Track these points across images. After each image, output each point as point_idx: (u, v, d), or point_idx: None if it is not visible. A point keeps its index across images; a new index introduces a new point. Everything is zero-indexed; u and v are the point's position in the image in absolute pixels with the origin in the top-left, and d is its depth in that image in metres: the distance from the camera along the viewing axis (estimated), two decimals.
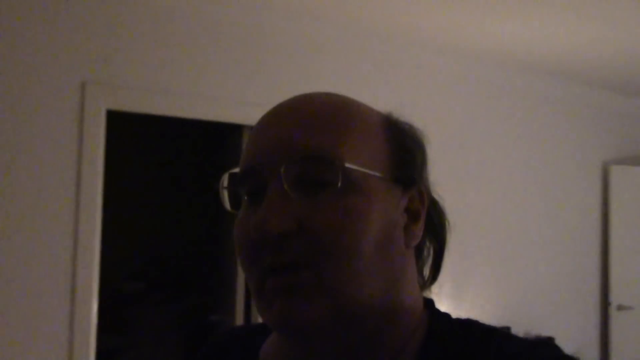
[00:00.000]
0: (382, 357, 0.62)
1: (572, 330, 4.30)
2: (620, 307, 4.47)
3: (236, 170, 0.65)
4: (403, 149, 0.66)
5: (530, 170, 4.16)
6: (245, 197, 0.64)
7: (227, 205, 0.66)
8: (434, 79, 3.69)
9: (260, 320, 0.65)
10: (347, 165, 0.59)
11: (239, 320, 3.17)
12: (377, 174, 0.62)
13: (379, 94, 3.36)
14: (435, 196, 0.71)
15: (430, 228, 0.70)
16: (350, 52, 3.38)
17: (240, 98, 3.02)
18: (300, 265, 0.57)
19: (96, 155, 2.55)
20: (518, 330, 3.88)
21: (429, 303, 0.69)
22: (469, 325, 0.66)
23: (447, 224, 0.73)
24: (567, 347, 2.99)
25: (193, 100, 2.88)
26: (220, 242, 3.77)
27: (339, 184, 0.58)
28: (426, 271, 0.72)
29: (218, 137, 4.07)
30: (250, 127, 3.08)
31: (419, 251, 0.70)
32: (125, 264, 4.55)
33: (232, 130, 3.51)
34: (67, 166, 2.51)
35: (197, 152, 5.16)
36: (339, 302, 0.58)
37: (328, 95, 0.67)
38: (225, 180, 0.66)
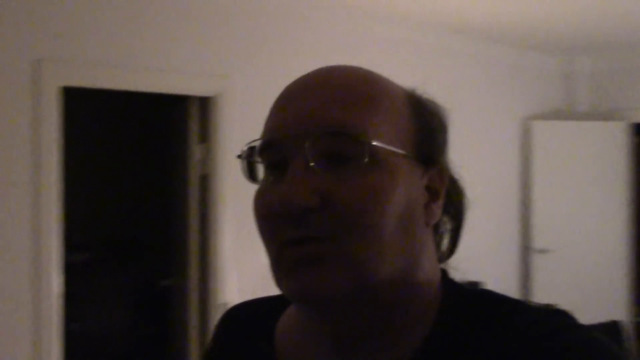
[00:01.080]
0: (399, 329, 0.63)
1: (497, 274, 4.66)
2: (541, 251, 4.88)
3: (256, 141, 0.65)
4: (427, 127, 0.66)
5: (453, 126, 4.40)
6: (265, 169, 0.64)
7: (247, 175, 0.66)
8: (366, 44, 3.82)
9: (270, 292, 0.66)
10: (374, 142, 0.60)
11: (193, 284, 3.29)
12: (402, 151, 0.62)
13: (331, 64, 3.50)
14: (455, 175, 0.71)
15: (449, 205, 0.70)
16: (296, 21, 3.48)
17: (191, 69, 3.09)
18: (323, 238, 0.58)
19: (52, 132, 2.60)
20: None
21: (443, 274, 0.70)
22: (481, 295, 0.66)
23: (465, 202, 0.73)
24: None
25: (145, 73, 2.94)
26: (169, 208, 3.85)
27: (365, 161, 0.59)
28: (443, 246, 0.73)
29: (167, 108, 4.12)
30: (200, 98, 3.18)
31: (436, 227, 0.70)
32: (70, 236, 4.56)
33: (176, 102, 3.58)
34: (23, 142, 2.55)
35: (145, 123, 5.15)
36: (361, 275, 0.58)
37: (354, 69, 0.67)
38: (245, 151, 0.66)
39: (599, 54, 5.05)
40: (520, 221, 4.95)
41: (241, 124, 3.26)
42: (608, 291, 4.88)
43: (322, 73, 0.66)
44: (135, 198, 5.17)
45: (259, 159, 0.65)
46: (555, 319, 0.60)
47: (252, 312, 0.81)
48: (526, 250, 4.95)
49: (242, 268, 3.25)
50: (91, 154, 5.04)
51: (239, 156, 0.66)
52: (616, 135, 4.95)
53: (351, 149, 0.60)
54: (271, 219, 0.61)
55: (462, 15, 3.81)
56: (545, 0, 3.54)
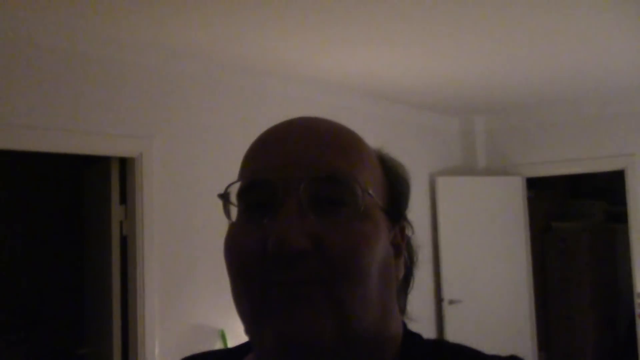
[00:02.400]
0: None
1: (418, 326, 4.79)
2: (451, 302, 5.08)
3: (235, 182, 0.64)
4: (395, 185, 0.69)
5: None
6: (244, 211, 0.63)
7: (230, 216, 0.64)
8: (278, 104, 3.93)
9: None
10: (370, 192, 0.61)
11: (116, 350, 3.17)
12: (382, 205, 0.64)
13: (246, 123, 3.60)
14: (408, 233, 0.73)
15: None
16: (213, 84, 3.56)
17: (111, 130, 3.06)
18: (313, 282, 0.57)
19: None
20: None
21: (404, 325, 0.71)
22: (440, 345, 0.69)
23: (416, 259, 0.75)
24: None
25: (63, 134, 2.88)
26: (85, 271, 3.71)
27: (362, 209, 0.60)
28: None
29: (75, 170, 4.01)
30: (120, 159, 3.14)
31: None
32: None
33: (87, 163, 3.51)
34: None
35: (50, 186, 4.95)
36: (348, 322, 0.58)
37: (337, 123, 0.68)
38: (229, 191, 0.64)
39: (494, 114, 5.47)
40: (433, 274, 5.15)
41: (162, 185, 3.24)
42: (514, 337, 5.14)
43: (303, 121, 0.66)
44: (44, 262, 4.91)
45: (236, 201, 0.63)
46: None
47: None
48: (438, 301, 5.14)
49: (165, 332, 3.17)
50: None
51: (221, 195, 0.64)
52: (513, 189, 5.32)
53: (346, 195, 0.60)
54: (255, 260, 0.58)
55: (368, 78, 4.04)
56: (443, 66, 3.82)
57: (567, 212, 6.84)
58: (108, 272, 3.20)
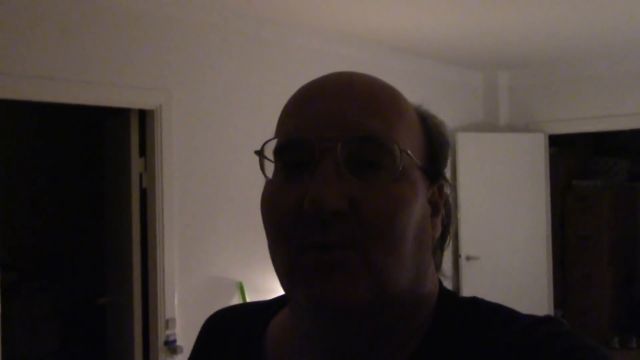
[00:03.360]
0: (402, 338, 0.63)
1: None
2: (468, 258, 5.08)
3: (272, 140, 0.62)
4: (435, 143, 0.67)
5: None
6: (280, 169, 0.62)
7: (266, 173, 0.63)
8: (300, 59, 3.86)
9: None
10: (409, 152, 0.60)
11: (136, 300, 3.21)
12: (421, 164, 0.63)
13: (266, 77, 3.56)
14: (447, 190, 0.71)
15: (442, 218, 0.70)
16: (237, 36, 3.49)
17: (131, 82, 3.04)
18: (347, 245, 0.56)
19: None
20: None
21: (439, 283, 0.71)
22: (474, 304, 0.67)
23: (454, 218, 0.73)
24: None
25: (83, 86, 2.86)
26: (105, 222, 3.74)
27: (399, 170, 0.59)
28: None
29: (93, 123, 4.01)
30: (140, 111, 3.13)
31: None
32: None
33: (107, 115, 3.50)
34: None
35: (79, 136, 4.99)
36: (382, 285, 0.57)
37: (372, 78, 0.66)
38: (262, 148, 0.63)
39: (518, 70, 5.35)
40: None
41: (181, 138, 3.23)
42: (531, 294, 5.13)
43: (342, 78, 0.64)
44: (66, 213, 4.99)
45: (272, 157, 0.62)
46: (547, 327, 0.60)
47: (238, 318, 0.79)
48: (455, 257, 5.14)
49: (184, 283, 3.21)
50: (22, 167, 4.85)
51: (257, 152, 0.63)
52: (535, 146, 5.24)
53: (384, 156, 0.59)
54: (291, 220, 0.58)
55: (391, 31, 3.96)
56: (469, 18, 3.72)
57: (589, 170, 6.75)
58: (128, 223, 3.22)
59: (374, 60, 4.34)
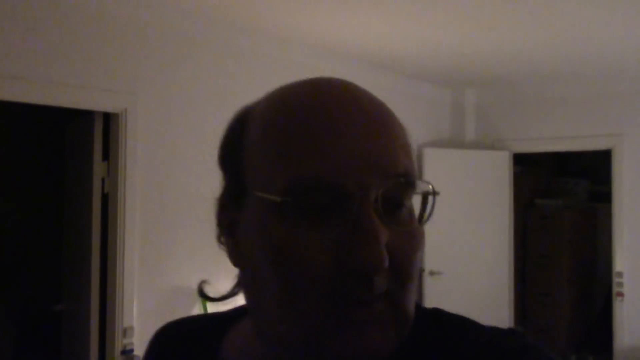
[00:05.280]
0: None
1: None
2: (432, 273, 5.10)
3: (291, 178, 0.53)
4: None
5: None
6: (301, 211, 0.53)
7: (289, 223, 0.54)
8: (269, 66, 3.86)
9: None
10: (433, 188, 0.58)
11: (94, 308, 3.14)
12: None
13: (235, 85, 3.53)
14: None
15: None
16: (197, 44, 3.47)
17: (96, 84, 2.98)
18: (382, 295, 0.54)
19: None
20: None
21: None
22: (437, 315, 0.66)
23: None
24: None
25: (46, 85, 2.79)
26: (64, 230, 3.66)
27: (430, 214, 0.58)
28: None
29: (56, 124, 3.92)
30: (104, 114, 3.06)
31: None
32: None
33: (70, 117, 3.43)
34: None
35: (32, 140, 4.86)
36: (406, 326, 0.56)
37: (375, 98, 0.63)
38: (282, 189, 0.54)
39: (486, 88, 5.43)
40: None
41: (146, 143, 3.18)
42: (492, 310, 5.18)
43: (349, 96, 0.59)
44: (24, 217, 4.85)
45: (301, 200, 0.53)
46: (512, 339, 0.59)
47: (191, 332, 0.75)
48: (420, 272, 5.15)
49: (144, 291, 3.14)
50: None
51: (281, 200, 0.53)
52: (500, 164, 5.31)
53: (409, 196, 0.56)
54: (331, 275, 0.52)
55: (362, 46, 3.98)
56: (440, 36, 3.77)
57: (551, 189, 6.87)
58: (88, 229, 3.14)
59: (345, 72, 4.34)
